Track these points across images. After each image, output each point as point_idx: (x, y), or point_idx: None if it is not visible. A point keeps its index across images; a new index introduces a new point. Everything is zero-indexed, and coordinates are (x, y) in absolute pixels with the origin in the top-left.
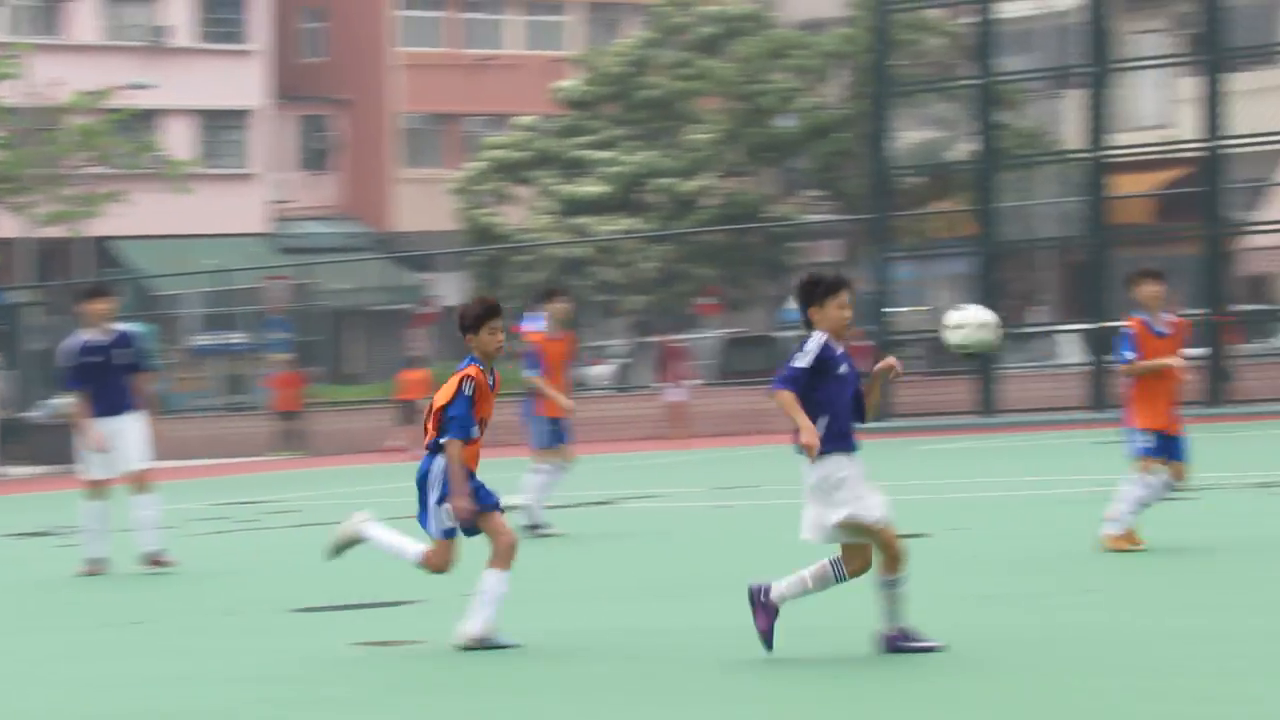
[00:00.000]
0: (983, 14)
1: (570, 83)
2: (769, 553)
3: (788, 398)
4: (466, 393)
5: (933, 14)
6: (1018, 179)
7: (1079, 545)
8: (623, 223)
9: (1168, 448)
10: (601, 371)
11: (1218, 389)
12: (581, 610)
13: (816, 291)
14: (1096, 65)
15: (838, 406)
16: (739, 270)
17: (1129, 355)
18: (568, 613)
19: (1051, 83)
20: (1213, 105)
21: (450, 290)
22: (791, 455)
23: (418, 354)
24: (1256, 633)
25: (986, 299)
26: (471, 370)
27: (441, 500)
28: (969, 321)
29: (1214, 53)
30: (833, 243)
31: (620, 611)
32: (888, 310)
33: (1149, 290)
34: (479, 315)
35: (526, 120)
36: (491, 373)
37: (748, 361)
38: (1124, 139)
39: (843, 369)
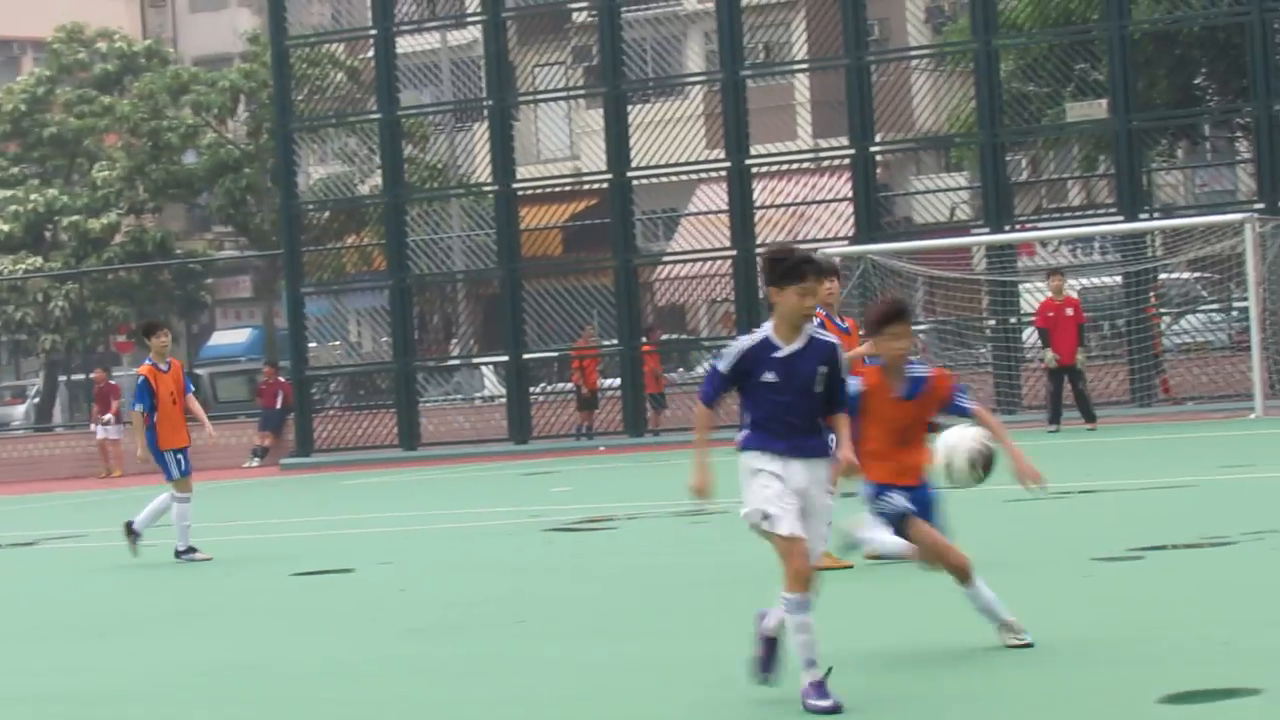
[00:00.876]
0: (382, 48)
1: None
2: (203, 590)
3: (701, 415)
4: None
5: (333, 48)
6: (429, 212)
7: (506, 576)
8: (32, 261)
9: None
10: (19, 411)
11: (639, 419)
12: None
13: (776, 270)
14: (499, 99)
15: (764, 410)
16: (152, 308)
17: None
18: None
19: (458, 116)
20: (616, 137)
21: None
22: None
23: None
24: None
25: (403, 331)
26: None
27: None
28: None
29: (614, 86)
30: (246, 278)
31: (57, 651)
32: (304, 346)
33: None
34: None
35: None
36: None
37: None
38: (533, 171)
39: (768, 376)
